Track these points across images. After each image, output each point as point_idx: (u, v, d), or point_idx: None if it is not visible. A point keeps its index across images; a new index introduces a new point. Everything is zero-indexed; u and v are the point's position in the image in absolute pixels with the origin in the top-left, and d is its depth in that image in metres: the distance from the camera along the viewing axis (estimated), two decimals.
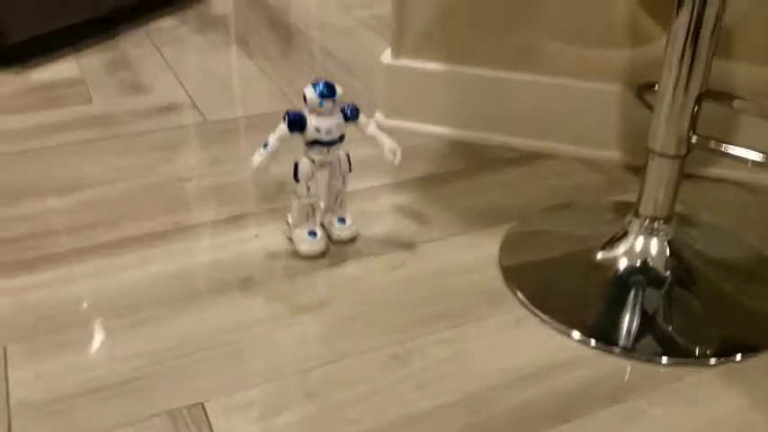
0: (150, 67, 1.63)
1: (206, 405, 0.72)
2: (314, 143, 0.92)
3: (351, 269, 0.95)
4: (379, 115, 1.34)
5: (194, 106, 1.43)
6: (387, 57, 1.31)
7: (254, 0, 2.16)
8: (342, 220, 1.00)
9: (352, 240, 1.01)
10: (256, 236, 1.01)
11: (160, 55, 1.69)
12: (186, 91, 1.50)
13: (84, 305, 0.87)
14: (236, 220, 1.06)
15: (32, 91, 1.49)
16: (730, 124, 1.11)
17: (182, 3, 2.07)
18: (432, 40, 1.27)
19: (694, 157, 0.89)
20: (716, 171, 1.17)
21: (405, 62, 1.29)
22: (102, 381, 0.75)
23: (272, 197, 1.11)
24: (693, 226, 1.04)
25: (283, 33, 1.88)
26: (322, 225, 1.00)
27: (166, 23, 1.91)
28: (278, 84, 1.55)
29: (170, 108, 1.42)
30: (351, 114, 0.94)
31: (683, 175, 0.87)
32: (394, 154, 0.95)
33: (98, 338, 0.82)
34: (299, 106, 1.20)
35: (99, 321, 0.84)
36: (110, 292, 0.90)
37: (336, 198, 0.99)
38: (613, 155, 1.19)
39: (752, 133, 1.09)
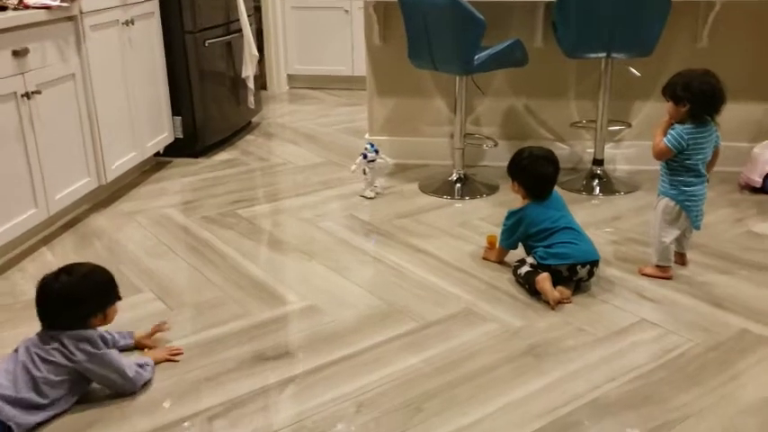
0: (260, 151, 3.84)
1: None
2: (368, 161, 3.13)
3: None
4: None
5: (289, 162, 3.64)
6: (366, 135, 3.60)
7: (282, 124, 4.43)
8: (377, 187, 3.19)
9: (381, 194, 3.19)
10: (353, 171, 3.23)
11: (260, 148, 3.90)
12: (283, 157, 3.72)
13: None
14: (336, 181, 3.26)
15: (222, 163, 3.66)
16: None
17: (252, 127, 4.30)
18: (385, 128, 3.56)
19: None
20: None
21: (375, 137, 3.58)
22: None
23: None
24: (475, 177, 3.33)
25: (306, 137, 4.14)
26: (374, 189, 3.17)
27: (251, 137, 4.13)
28: (318, 154, 3.79)
29: (283, 163, 3.63)
30: (376, 150, 3.15)
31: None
32: (388, 161, 3.19)
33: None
34: (333, 161, 3.48)
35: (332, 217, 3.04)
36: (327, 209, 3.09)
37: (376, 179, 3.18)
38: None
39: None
